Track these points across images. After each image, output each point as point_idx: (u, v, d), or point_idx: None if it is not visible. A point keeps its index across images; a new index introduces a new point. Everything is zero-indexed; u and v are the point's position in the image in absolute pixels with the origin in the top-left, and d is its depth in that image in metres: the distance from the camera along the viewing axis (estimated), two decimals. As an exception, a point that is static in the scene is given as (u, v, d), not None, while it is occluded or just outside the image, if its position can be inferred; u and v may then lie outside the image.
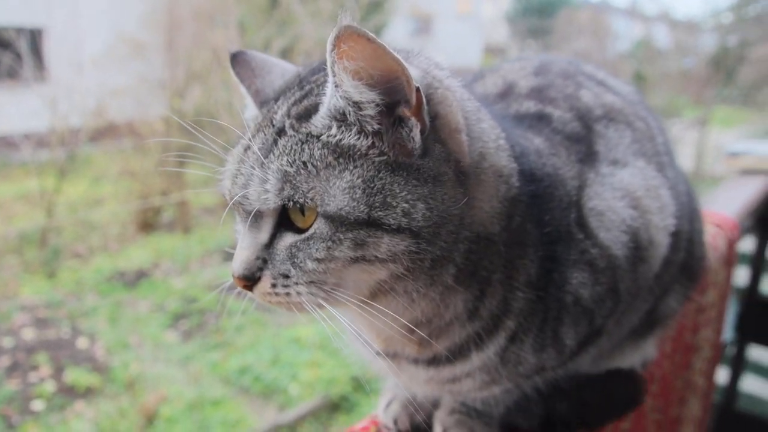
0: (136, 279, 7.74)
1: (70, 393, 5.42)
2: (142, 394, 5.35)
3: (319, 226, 0.79)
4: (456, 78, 0.90)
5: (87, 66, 9.40)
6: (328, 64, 0.77)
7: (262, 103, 0.94)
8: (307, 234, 0.80)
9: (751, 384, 3.09)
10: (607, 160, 1.06)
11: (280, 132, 0.83)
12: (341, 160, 0.79)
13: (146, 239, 9.07)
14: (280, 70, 1.00)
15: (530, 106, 1.11)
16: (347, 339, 1.05)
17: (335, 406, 5.37)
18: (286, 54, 9.61)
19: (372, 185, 0.78)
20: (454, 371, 0.96)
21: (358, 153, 0.80)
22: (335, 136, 0.80)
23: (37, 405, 5.20)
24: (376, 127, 0.80)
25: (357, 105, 0.79)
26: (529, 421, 1.13)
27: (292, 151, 0.80)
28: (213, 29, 9.95)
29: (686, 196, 1.23)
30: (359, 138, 0.80)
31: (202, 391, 5.48)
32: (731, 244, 1.97)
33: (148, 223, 9.34)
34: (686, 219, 1.19)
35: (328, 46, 0.75)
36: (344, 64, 0.77)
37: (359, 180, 0.78)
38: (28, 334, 6.31)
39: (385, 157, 0.80)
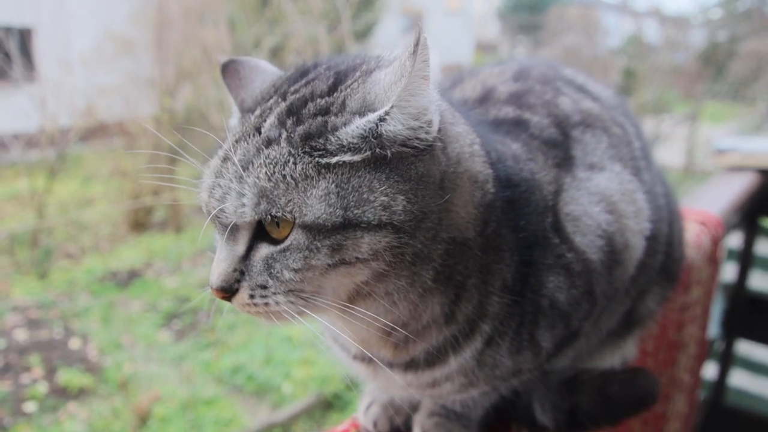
0: (128, 279, 7.72)
1: (62, 394, 5.41)
2: (136, 394, 5.35)
3: (296, 237, 0.79)
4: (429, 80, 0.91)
5: (76, 65, 9.34)
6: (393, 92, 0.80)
7: (243, 112, 0.94)
8: (283, 245, 0.80)
9: (739, 379, 3.13)
10: (583, 164, 1.07)
11: (269, 142, 0.82)
12: (323, 171, 0.79)
13: (138, 239, 9.04)
14: (266, 78, 0.99)
15: (509, 111, 1.11)
16: (326, 342, 1.07)
17: (328, 405, 5.38)
18: (276, 52, 9.58)
19: (346, 186, 0.78)
20: (432, 375, 0.97)
21: (341, 162, 0.80)
22: (345, 156, 0.80)
23: (30, 406, 5.19)
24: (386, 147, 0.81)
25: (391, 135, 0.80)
26: (553, 414, 1.14)
27: (275, 163, 0.80)
28: (203, 27, 9.91)
29: (664, 198, 1.24)
30: (364, 155, 0.80)
31: (195, 391, 5.48)
32: (716, 241, 1.99)
33: (139, 223, 9.31)
34: (664, 222, 1.21)
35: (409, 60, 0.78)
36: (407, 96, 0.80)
37: (333, 185, 0.78)
38: (20, 335, 6.29)
39: (371, 158, 0.80)
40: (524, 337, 0.96)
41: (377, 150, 0.79)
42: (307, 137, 0.81)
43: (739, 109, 18.84)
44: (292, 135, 0.81)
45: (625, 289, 1.12)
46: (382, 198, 0.78)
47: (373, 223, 0.78)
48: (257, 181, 0.79)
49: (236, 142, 0.85)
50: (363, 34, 14.30)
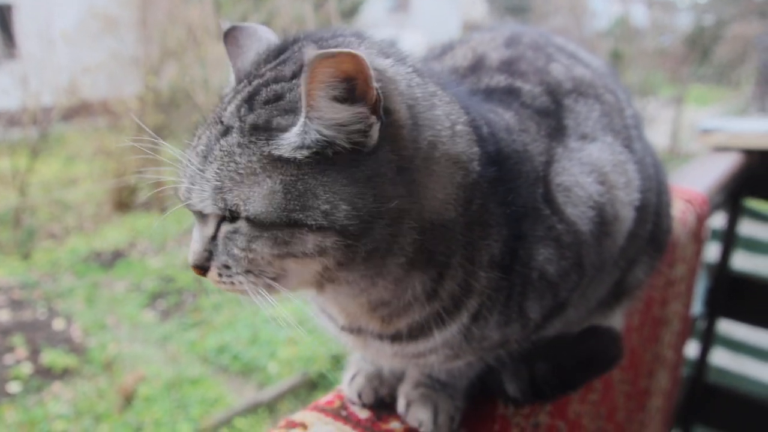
0: (112, 259, 7.67)
1: (47, 374, 5.38)
2: (120, 375, 5.34)
3: (242, 224, 0.81)
4: (404, 63, 0.88)
5: (58, 42, 9.18)
6: (302, 87, 0.76)
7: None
8: (232, 226, 0.82)
9: (720, 357, 3.17)
10: (576, 134, 1.06)
11: (226, 132, 0.82)
12: (269, 167, 0.79)
13: (122, 219, 8.97)
14: (260, 48, 0.94)
15: (500, 80, 1.10)
16: (313, 312, 1.06)
17: (314, 384, 5.40)
18: (262, 30, 9.45)
19: (293, 189, 0.78)
20: (417, 347, 0.97)
21: (287, 160, 0.79)
22: (292, 150, 0.78)
23: (14, 387, 5.17)
24: (351, 144, 0.78)
25: (330, 131, 0.78)
26: (516, 384, 1.14)
27: (228, 154, 0.80)
28: (188, 5, 9.77)
29: (653, 168, 1.24)
30: (311, 151, 0.78)
31: (180, 371, 5.47)
32: (701, 219, 1.99)
33: (123, 203, 9.23)
34: (653, 192, 1.21)
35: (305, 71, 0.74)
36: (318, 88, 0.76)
37: (280, 186, 0.78)
38: (3, 316, 6.24)
39: (319, 157, 0.78)
40: (513, 310, 0.96)
41: (317, 149, 0.78)
42: (254, 128, 0.80)
43: (725, 93, 18.95)
44: (243, 125, 0.81)
45: (614, 260, 1.12)
46: (324, 206, 0.77)
47: (314, 226, 0.78)
48: (213, 175, 0.81)
49: (205, 128, 0.86)
50: (350, 13, 14.18)
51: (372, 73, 0.75)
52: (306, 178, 0.78)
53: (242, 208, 0.79)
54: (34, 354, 5.64)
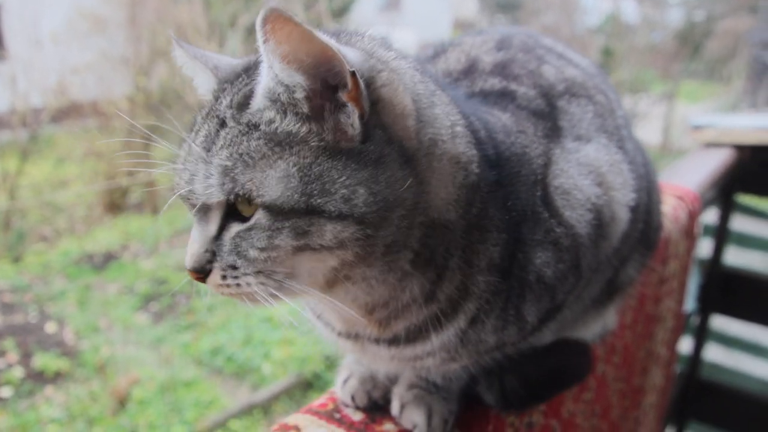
0: (104, 261, 7.62)
1: (39, 378, 5.34)
2: (114, 377, 5.31)
3: (259, 216, 0.78)
4: (406, 59, 0.88)
5: (47, 43, 9.11)
6: (259, 44, 0.75)
7: (219, 83, 0.91)
8: (249, 224, 0.79)
9: (713, 353, 3.18)
10: (571, 135, 1.06)
11: (223, 123, 0.81)
12: (277, 149, 0.77)
13: (114, 221, 8.92)
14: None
15: (494, 83, 1.10)
16: (308, 317, 1.05)
17: (308, 384, 5.39)
18: (252, 30, 9.42)
19: (309, 172, 0.77)
20: (414, 351, 0.97)
21: (295, 140, 0.78)
22: (272, 122, 0.79)
23: (5, 391, 5.12)
24: (307, 111, 0.78)
25: (288, 88, 0.78)
26: (491, 394, 1.14)
27: (232, 143, 0.79)
28: (177, 4, 9.72)
29: (643, 167, 1.24)
30: (296, 124, 0.78)
31: (174, 373, 5.45)
32: (692, 216, 1.99)
33: (115, 205, 9.18)
34: (644, 191, 1.21)
35: (257, 27, 0.73)
36: (272, 47, 0.75)
37: (294, 168, 0.77)
38: (-6, 320, 6.20)
39: (323, 143, 0.78)
40: (510, 313, 0.96)
41: (299, 109, 0.78)
42: (239, 107, 0.81)
43: (716, 88, 19.03)
44: (233, 109, 0.81)
45: (608, 259, 1.12)
46: (342, 191, 0.76)
47: (334, 213, 0.76)
48: (220, 161, 0.78)
49: (202, 123, 0.84)
50: (340, 12, 14.15)
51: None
52: (319, 161, 0.77)
53: (256, 193, 0.77)
54: (25, 358, 5.60)
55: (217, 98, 0.86)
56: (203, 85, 0.94)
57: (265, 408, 5.09)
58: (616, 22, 15.61)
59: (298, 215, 0.77)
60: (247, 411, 5.02)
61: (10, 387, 5.18)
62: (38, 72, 8.73)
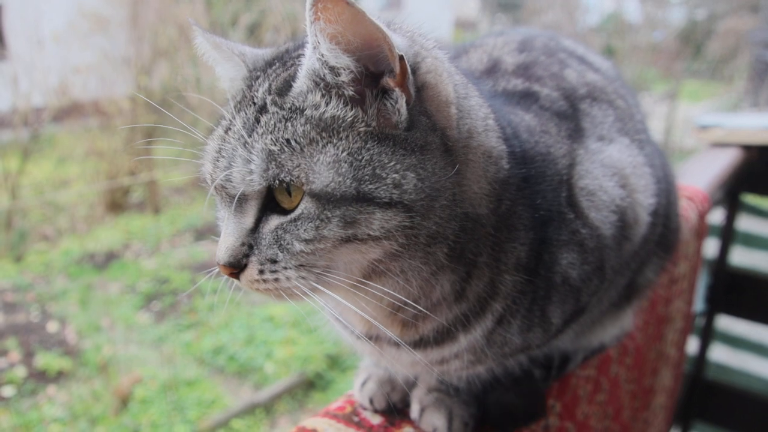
0: (106, 260, 7.60)
1: (41, 378, 5.33)
2: (116, 377, 5.30)
3: (306, 206, 0.76)
4: (441, 49, 0.88)
5: (48, 42, 9.10)
6: (307, 25, 0.74)
7: (249, 71, 0.90)
8: (294, 214, 0.77)
9: (719, 354, 3.17)
10: (594, 135, 1.05)
11: (262, 109, 0.79)
12: (324, 134, 0.76)
13: (115, 220, 8.90)
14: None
15: (517, 83, 1.10)
16: (325, 318, 1.04)
17: (310, 384, 5.37)
18: (254, 29, 9.43)
19: (359, 158, 0.75)
20: (441, 352, 0.95)
21: (342, 125, 0.76)
22: (318, 107, 0.77)
23: (7, 391, 5.11)
24: (352, 94, 0.77)
25: (333, 70, 0.76)
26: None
27: (276, 128, 0.77)
28: (178, 4, 9.70)
29: (662, 170, 1.24)
30: (342, 108, 0.77)
31: (176, 372, 5.43)
32: (702, 216, 1.98)
33: (117, 204, 9.16)
34: (663, 194, 1.20)
35: (307, 6, 0.72)
36: (321, 26, 0.73)
37: (344, 153, 0.75)
38: (-4, 319, 6.19)
39: (370, 128, 0.76)
40: (535, 314, 0.95)
41: (344, 93, 0.77)
42: (280, 92, 0.80)
43: (718, 88, 18.99)
44: (274, 94, 0.80)
45: (627, 263, 1.11)
46: (393, 175, 0.75)
47: (384, 200, 0.75)
48: (264, 146, 0.76)
49: (237, 110, 0.82)
50: (342, 12, 14.11)
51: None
52: (368, 146, 0.76)
53: (305, 179, 0.75)
54: (27, 357, 5.59)
55: (250, 86, 0.84)
56: (226, 73, 0.93)
57: (268, 407, 5.07)
58: (617, 21, 15.60)
59: (347, 203, 0.75)
60: (249, 410, 5.00)
61: (12, 386, 5.17)
62: (40, 71, 8.71)
